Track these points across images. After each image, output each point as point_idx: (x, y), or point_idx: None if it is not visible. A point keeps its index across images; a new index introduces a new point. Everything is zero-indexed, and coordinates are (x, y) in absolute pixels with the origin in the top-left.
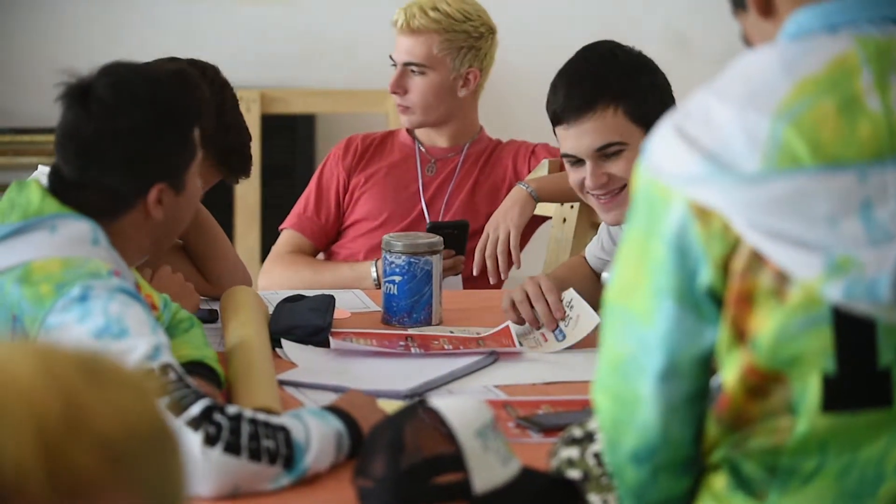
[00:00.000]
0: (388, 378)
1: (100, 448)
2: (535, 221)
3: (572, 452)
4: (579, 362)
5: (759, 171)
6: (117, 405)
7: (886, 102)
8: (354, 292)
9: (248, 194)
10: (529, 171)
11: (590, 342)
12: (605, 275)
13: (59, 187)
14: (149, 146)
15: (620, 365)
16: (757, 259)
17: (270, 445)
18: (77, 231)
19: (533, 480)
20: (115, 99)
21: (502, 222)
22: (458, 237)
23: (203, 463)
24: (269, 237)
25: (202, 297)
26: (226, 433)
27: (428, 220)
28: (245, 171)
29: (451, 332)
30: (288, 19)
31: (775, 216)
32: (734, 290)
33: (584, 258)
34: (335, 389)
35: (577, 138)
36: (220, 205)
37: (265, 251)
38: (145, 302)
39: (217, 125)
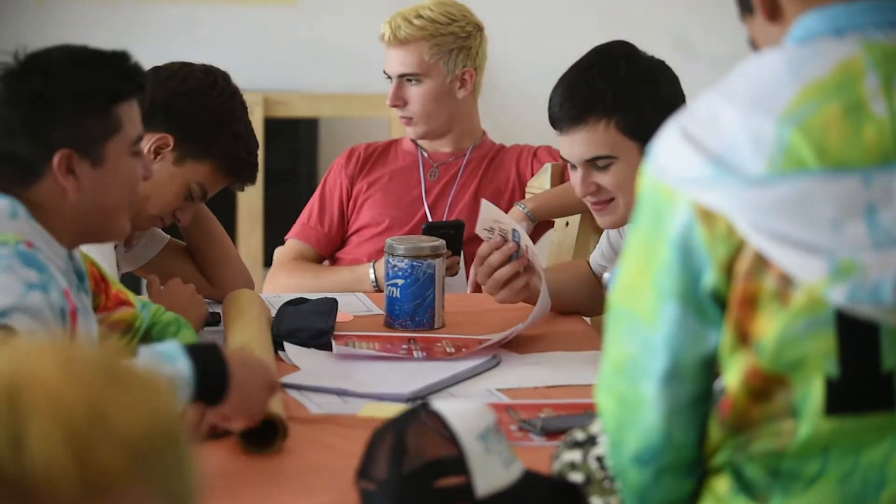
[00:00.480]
0: (390, 381)
1: (123, 446)
2: (540, 228)
3: (574, 456)
4: (582, 366)
5: (764, 174)
6: (137, 405)
7: (892, 107)
8: (357, 295)
9: (250, 198)
10: (532, 174)
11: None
12: (606, 275)
13: None
14: (48, 111)
15: (624, 367)
16: (761, 262)
17: None
18: None
19: (535, 484)
20: (22, 69)
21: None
22: (454, 237)
23: None
24: (271, 240)
25: (205, 300)
26: None
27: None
28: (251, 180)
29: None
30: (291, 23)
31: (780, 219)
32: (738, 293)
33: (587, 262)
34: (338, 392)
35: (569, 145)
36: (223, 208)
37: (268, 254)
38: (55, 276)
39: (225, 134)
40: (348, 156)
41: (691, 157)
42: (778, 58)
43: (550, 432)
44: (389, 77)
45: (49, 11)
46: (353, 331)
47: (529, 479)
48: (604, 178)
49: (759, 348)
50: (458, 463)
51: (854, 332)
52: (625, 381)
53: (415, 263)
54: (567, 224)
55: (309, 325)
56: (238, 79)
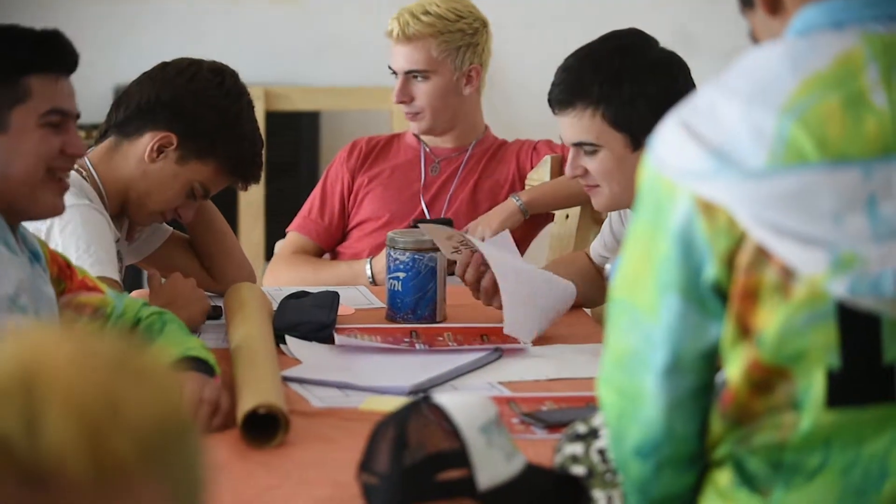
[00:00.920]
0: (392, 374)
1: (134, 437)
2: (540, 222)
3: (576, 449)
4: (583, 359)
5: (764, 167)
6: (149, 397)
7: (892, 99)
8: (359, 289)
9: (252, 191)
10: (532, 168)
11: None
12: (607, 267)
13: None
14: None
15: (625, 359)
16: (762, 254)
17: None
18: None
19: (537, 477)
20: None
21: (481, 224)
22: None
23: None
24: (273, 233)
25: (207, 294)
26: None
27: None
28: (255, 180)
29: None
30: (293, 16)
31: (781, 212)
32: (739, 286)
33: (586, 253)
34: (339, 386)
35: (561, 127)
36: (225, 201)
37: (269, 247)
38: None
39: (230, 135)
40: (350, 150)
41: (692, 149)
42: (778, 51)
43: (552, 425)
44: (395, 73)
45: (49, 7)
46: (355, 324)
47: (531, 472)
48: (590, 164)
49: (761, 341)
50: (459, 456)
51: (855, 325)
52: (626, 374)
53: (416, 256)
54: (567, 217)
55: (310, 318)
56: (239, 72)
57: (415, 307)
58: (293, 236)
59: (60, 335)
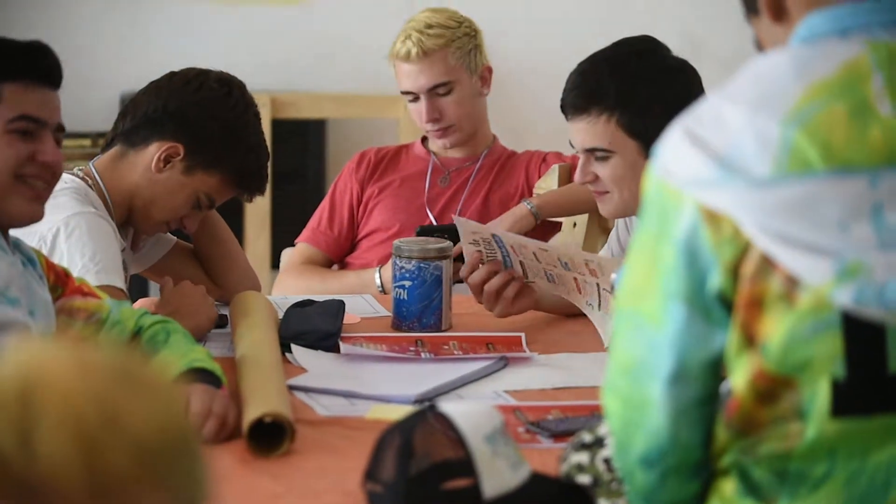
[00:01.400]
0: (397, 383)
1: (133, 449)
2: (548, 230)
3: (582, 457)
4: (589, 368)
5: (769, 176)
6: (149, 408)
7: None
8: (364, 297)
9: (258, 199)
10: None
11: None
12: (613, 276)
13: None
14: None
15: (630, 368)
16: (767, 263)
17: None
18: None
19: (543, 486)
20: None
21: (491, 227)
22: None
23: None
24: (278, 242)
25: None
26: None
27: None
28: (260, 191)
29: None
30: (299, 23)
31: (786, 220)
32: (744, 295)
33: None
34: (345, 395)
35: (573, 132)
36: (230, 210)
37: (275, 256)
38: None
39: (237, 146)
40: (359, 160)
41: (696, 158)
42: (783, 58)
43: (558, 434)
44: (413, 96)
45: (56, 15)
46: (361, 332)
47: (537, 481)
48: (601, 170)
49: (766, 350)
50: (465, 465)
51: (860, 334)
52: (631, 383)
53: (422, 265)
54: (575, 225)
55: (316, 327)
56: (245, 79)
57: (420, 316)
58: (302, 247)
59: (60, 347)
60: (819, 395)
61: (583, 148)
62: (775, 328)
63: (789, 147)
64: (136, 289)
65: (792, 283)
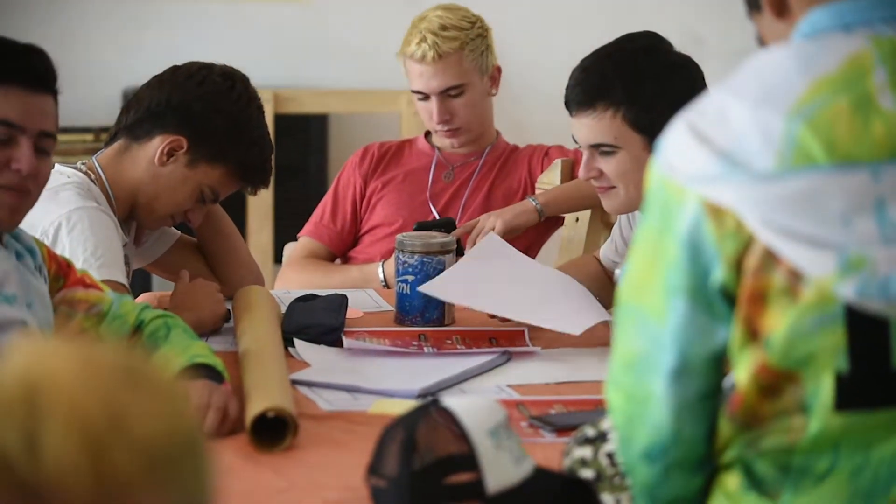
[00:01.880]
0: (400, 377)
1: (140, 451)
2: (551, 226)
3: (585, 452)
4: (592, 362)
5: (773, 170)
6: (154, 409)
7: None
8: (367, 292)
9: (260, 194)
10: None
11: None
12: (617, 271)
13: None
14: None
15: (633, 363)
16: (770, 257)
17: None
18: None
19: (546, 480)
20: None
21: (493, 215)
22: None
23: None
24: (281, 236)
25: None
26: None
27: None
28: (264, 184)
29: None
30: (301, 19)
31: (789, 214)
32: (747, 289)
33: (596, 257)
34: (348, 389)
35: (577, 128)
36: (233, 204)
37: (278, 250)
38: None
39: (240, 140)
40: (362, 155)
41: (700, 153)
42: (786, 54)
43: (561, 428)
44: (423, 95)
45: (59, 11)
46: (364, 327)
47: (540, 476)
48: (606, 166)
49: (769, 344)
50: (468, 459)
51: (863, 328)
52: (634, 377)
53: (425, 260)
54: (577, 220)
55: (319, 321)
56: (249, 75)
57: (423, 310)
58: (305, 241)
59: (64, 347)
60: (822, 388)
61: (587, 143)
62: (778, 322)
63: (794, 141)
64: (140, 283)
65: (795, 277)
